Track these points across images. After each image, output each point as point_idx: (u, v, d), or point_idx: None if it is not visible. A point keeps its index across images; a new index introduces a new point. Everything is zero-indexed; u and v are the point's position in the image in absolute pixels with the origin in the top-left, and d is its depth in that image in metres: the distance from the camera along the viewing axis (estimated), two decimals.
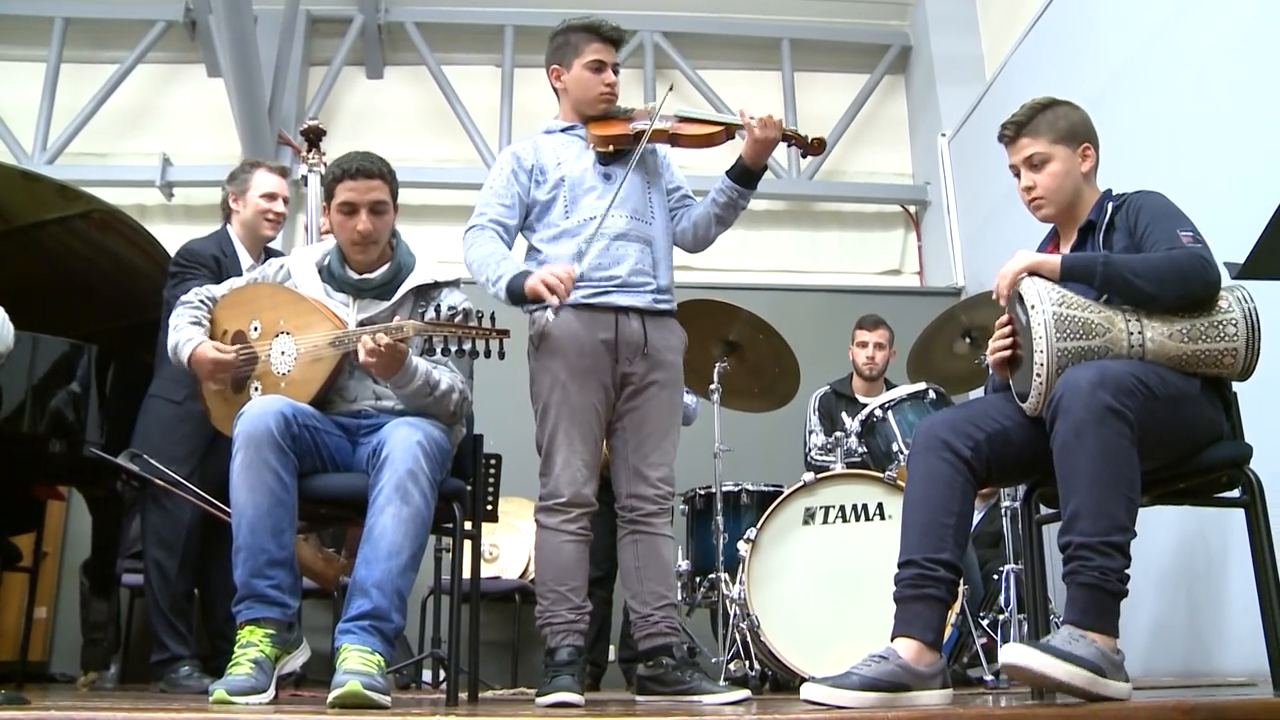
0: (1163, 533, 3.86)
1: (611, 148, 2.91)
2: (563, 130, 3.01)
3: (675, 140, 2.94)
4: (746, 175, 2.93)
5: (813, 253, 6.90)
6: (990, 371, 2.48)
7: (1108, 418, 1.97)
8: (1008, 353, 2.34)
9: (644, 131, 2.88)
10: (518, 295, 2.71)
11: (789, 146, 2.97)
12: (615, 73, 3.01)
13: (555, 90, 3.07)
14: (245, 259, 3.53)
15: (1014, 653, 1.83)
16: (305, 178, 3.66)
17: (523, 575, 5.32)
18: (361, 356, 2.51)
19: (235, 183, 3.62)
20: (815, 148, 2.95)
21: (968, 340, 4.13)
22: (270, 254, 3.63)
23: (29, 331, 3.33)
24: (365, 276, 2.74)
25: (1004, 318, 2.37)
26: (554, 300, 2.64)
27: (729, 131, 2.94)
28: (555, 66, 3.03)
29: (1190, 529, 3.81)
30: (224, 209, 3.65)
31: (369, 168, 2.67)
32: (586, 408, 2.78)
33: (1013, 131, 2.47)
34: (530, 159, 2.94)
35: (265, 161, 3.78)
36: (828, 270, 6.94)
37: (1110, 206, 2.38)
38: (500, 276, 2.74)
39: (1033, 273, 2.23)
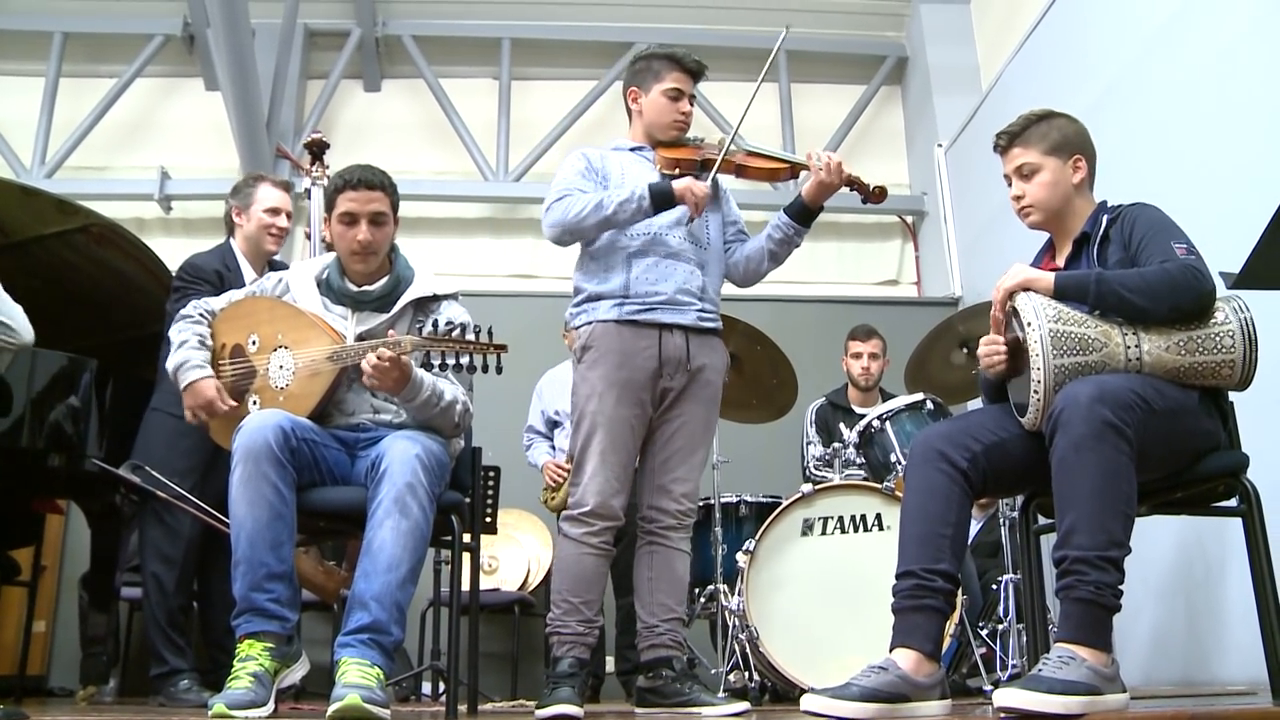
0: (1161, 542, 3.87)
1: (678, 171, 2.97)
2: (631, 149, 3.04)
3: (740, 171, 3.01)
4: (804, 214, 2.97)
5: (810, 263, 6.90)
6: (981, 376, 2.48)
7: (1107, 433, 1.98)
8: (1003, 367, 2.34)
9: (711, 160, 2.95)
10: (665, 197, 2.81)
11: (850, 191, 3.01)
12: (691, 103, 3.06)
13: (629, 111, 3.11)
14: (249, 273, 3.53)
15: (1007, 697, 1.83)
16: (309, 190, 3.66)
17: (522, 587, 5.33)
18: (366, 375, 2.52)
19: (239, 196, 3.62)
20: (876, 196, 3.03)
21: (965, 350, 4.14)
22: (274, 267, 3.63)
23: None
24: (364, 288, 2.75)
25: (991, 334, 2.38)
26: (694, 211, 2.82)
27: (793, 170, 3.03)
28: (633, 89, 3.07)
29: (1189, 538, 3.81)
30: (227, 222, 3.65)
31: (370, 179, 2.69)
32: (621, 420, 2.80)
33: (1005, 141, 2.49)
34: (598, 162, 2.99)
35: (269, 176, 3.78)
36: (825, 281, 6.96)
37: (1105, 219, 2.39)
38: (634, 189, 2.82)
39: (1027, 288, 2.24)
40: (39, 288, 4.07)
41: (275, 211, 3.59)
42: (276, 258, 3.72)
